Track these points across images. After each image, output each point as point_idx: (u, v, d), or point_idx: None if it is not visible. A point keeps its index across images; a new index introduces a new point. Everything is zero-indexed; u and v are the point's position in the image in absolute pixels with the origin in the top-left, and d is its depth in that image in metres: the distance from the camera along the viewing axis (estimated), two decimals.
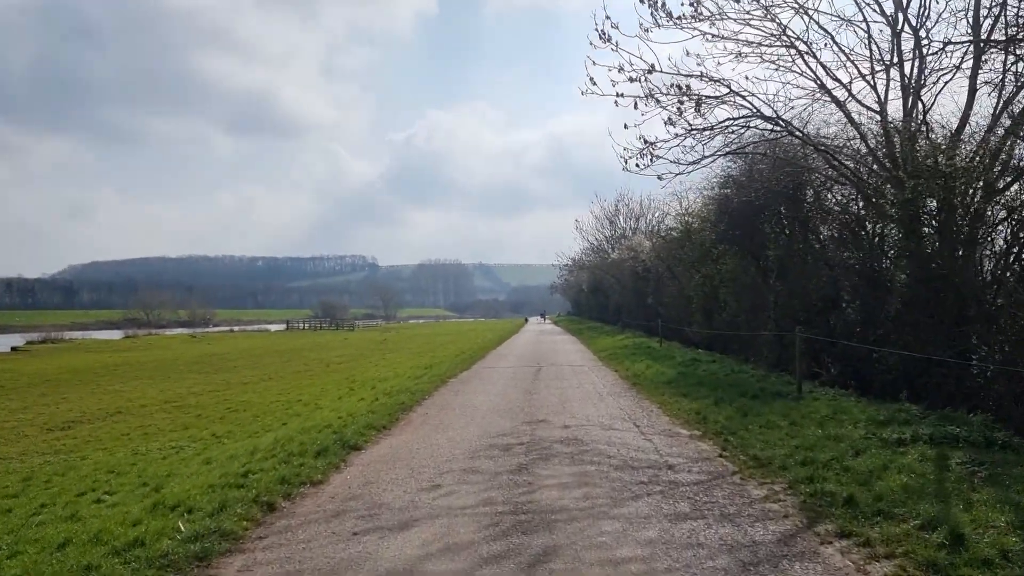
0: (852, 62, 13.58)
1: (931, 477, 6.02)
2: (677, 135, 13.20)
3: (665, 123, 12.98)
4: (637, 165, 13.56)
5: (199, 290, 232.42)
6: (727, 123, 13.46)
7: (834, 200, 16.75)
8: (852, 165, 13.91)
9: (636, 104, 12.64)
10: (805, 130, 14.03)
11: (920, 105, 12.29)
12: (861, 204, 15.05)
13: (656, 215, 50.91)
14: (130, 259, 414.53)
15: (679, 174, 14.35)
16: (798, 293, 17.66)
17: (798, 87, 13.17)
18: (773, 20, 12.46)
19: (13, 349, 48.33)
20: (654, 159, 13.63)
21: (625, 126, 12.99)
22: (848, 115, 13.51)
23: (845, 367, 14.97)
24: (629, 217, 55.79)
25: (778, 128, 13.34)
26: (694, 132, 13.30)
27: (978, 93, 12.01)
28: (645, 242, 40.68)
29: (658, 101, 11.87)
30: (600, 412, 11.10)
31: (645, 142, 13.21)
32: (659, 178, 14.17)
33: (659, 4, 11.56)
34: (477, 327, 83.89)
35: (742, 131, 14.56)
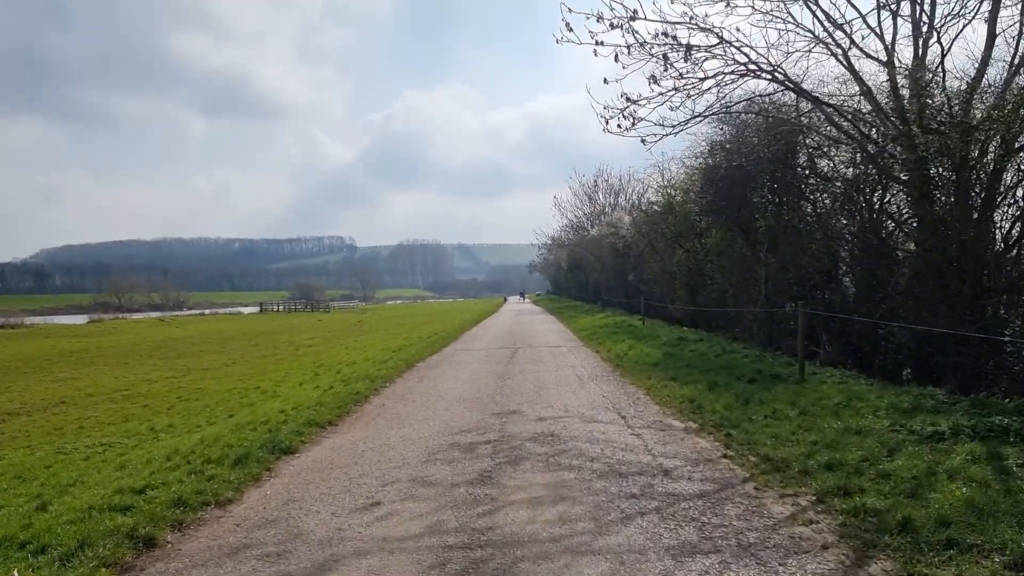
0: (853, 5, 12.29)
1: (996, 487, 4.75)
2: (663, 92, 11.84)
3: (649, 80, 11.66)
4: (619, 126, 12.33)
5: (174, 273, 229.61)
6: (718, 76, 12.07)
7: (830, 165, 15.49)
8: (854, 124, 12.62)
9: (616, 56, 11.29)
10: (802, 86, 12.70)
11: (939, 49, 10.98)
12: (862, 168, 13.80)
13: (636, 190, 49.66)
14: (103, 243, 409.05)
15: (666, 135, 13.09)
16: (791, 266, 16.51)
17: (796, 34, 11.80)
18: None
19: None
20: (636, 121, 12.39)
21: (605, 80, 11.58)
22: (851, 68, 12.17)
23: (844, 345, 13.81)
24: (608, 193, 54.52)
25: (774, 81, 11.99)
26: (683, 88, 11.94)
27: (996, 40, 10.75)
28: (625, 217, 39.44)
29: (642, 45, 10.46)
30: (580, 400, 9.79)
31: (628, 100, 11.90)
32: (643, 141, 12.96)
33: None
34: (455, 307, 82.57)
35: (733, 88, 13.19)
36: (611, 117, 12.06)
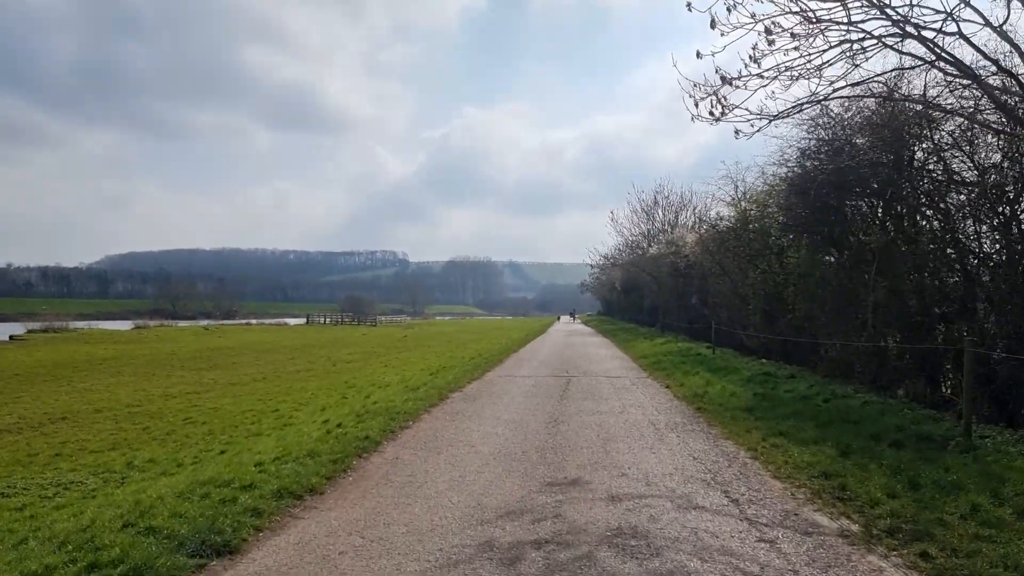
0: None
1: None
2: (761, 74, 9.34)
3: (749, 56, 9.22)
4: (711, 113, 9.87)
5: (230, 282, 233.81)
6: (843, 44, 9.37)
7: (967, 164, 12.56)
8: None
9: (713, 22, 8.83)
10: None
11: None
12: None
13: (699, 208, 46.63)
14: (165, 250, 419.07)
15: (770, 121, 10.58)
16: (909, 292, 13.67)
17: None
18: None
19: (12, 338, 45.63)
20: (727, 110, 9.94)
21: (698, 54, 9.19)
22: None
23: (987, 395, 10.86)
24: (668, 210, 51.42)
25: (923, 45, 9.19)
26: (795, 64, 9.37)
27: None
28: (688, 235, 36.53)
29: None
30: (664, 464, 7.13)
31: (723, 79, 9.48)
32: (736, 133, 10.60)
33: None
34: (503, 325, 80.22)
35: (855, 62, 10.45)
36: (702, 98, 9.67)
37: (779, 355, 20.58)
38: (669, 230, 48.41)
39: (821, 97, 10.26)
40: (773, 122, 11.25)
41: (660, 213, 52.19)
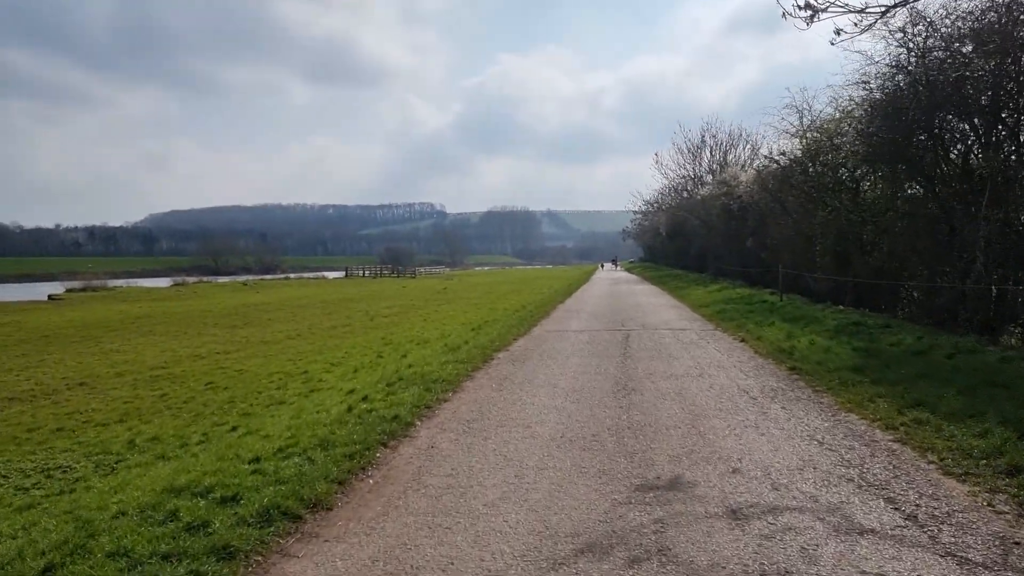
0: None
1: None
2: None
3: None
4: (808, 4, 8.08)
5: (271, 238, 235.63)
6: None
7: None
8: None
9: None
10: None
11: None
12: None
13: (754, 144, 43.96)
14: (207, 208, 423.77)
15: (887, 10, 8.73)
16: None
17: None
18: None
19: (50, 297, 45.29)
20: (821, 11, 8.20)
21: None
22: None
23: None
24: (717, 149, 48.68)
25: None
26: None
27: None
28: (741, 174, 34.17)
29: None
30: (783, 453, 5.36)
31: None
32: (837, 33, 8.86)
33: None
34: (543, 274, 78.43)
35: None
36: None
37: (852, 301, 18.63)
38: (719, 170, 45.89)
39: None
40: (885, 17, 9.38)
41: (708, 153, 49.61)
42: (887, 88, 15.01)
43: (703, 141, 49.32)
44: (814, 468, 4.98)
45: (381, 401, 7.53)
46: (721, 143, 48.03)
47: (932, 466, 4.96)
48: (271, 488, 4.60)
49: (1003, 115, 12.75)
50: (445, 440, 6.05)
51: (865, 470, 4.90)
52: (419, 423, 6.65)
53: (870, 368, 8.55)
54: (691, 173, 51.31)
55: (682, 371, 9.29)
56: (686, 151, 51.00)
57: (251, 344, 22.44)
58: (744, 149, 45.20)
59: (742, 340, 12.50)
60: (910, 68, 14.19)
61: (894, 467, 4.95)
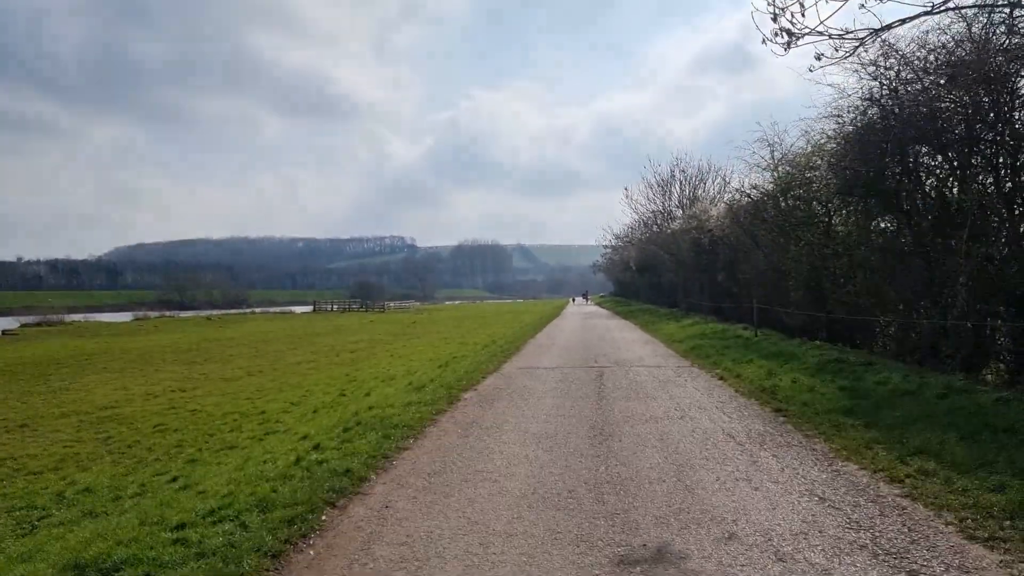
0: None
1: None
2: None
3: None
4: (788, 33, 7.74)
5: (239, 271, 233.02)
6: None
7: None
8: None
9: None
10: None
11: None
12: None
13: (724, 178, 44.00)
14: (174, 241, 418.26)
15: (864, 42, 8.43)
16: (1014, 258, 11.40)
17: None
18: None
19: (4, 332, 43.69)
20: (799, 37, 7.81)
21: None
22: None
23: None
24: (686, 184, 48.68)
25: None
26: None
27: None
28: (712, 209, 34.08)
29: None
30: (782, 512, 4.71)
31: None
32: (817, 58, 8.53)
33: None
34: (514, 308, 77.90)
35: None
36: (784, 8, 7.57)
37: (826, 336, 18.32)
38: (688, 204, 45.91)
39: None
40: (862, 46, 9.11)
41: (678, 187, 49.64)
42: (859, 121, 14.79)
43: (672, 176, 49.38)
44: (820, 532, 4.38)
45: (335, 450, 6.82)
46: (691, 178, 48.11)
47: (951, 528, 4.39)
48: (191, 565, 3.89)
49: (980, 147, 12.53)
50: (402, 498, 5.35)
51: (878, 534, 4.31)
52: (374, 477, 5.95)
53: (860, 410, 8.03)
54: (661, 207, 51.28)
55: (661, 413, 8.70)
56: (656, 185, 51.01)
57: (210, 381, 21.50)
58: (714, 184, 45.26)
59: (720, 378, 11.98)
60: (882, 101, 13.99)
61: (909, 530, 4.37)
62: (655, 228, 52.11)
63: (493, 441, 7.23)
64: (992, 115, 11.88)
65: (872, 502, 4.95)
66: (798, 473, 5.75)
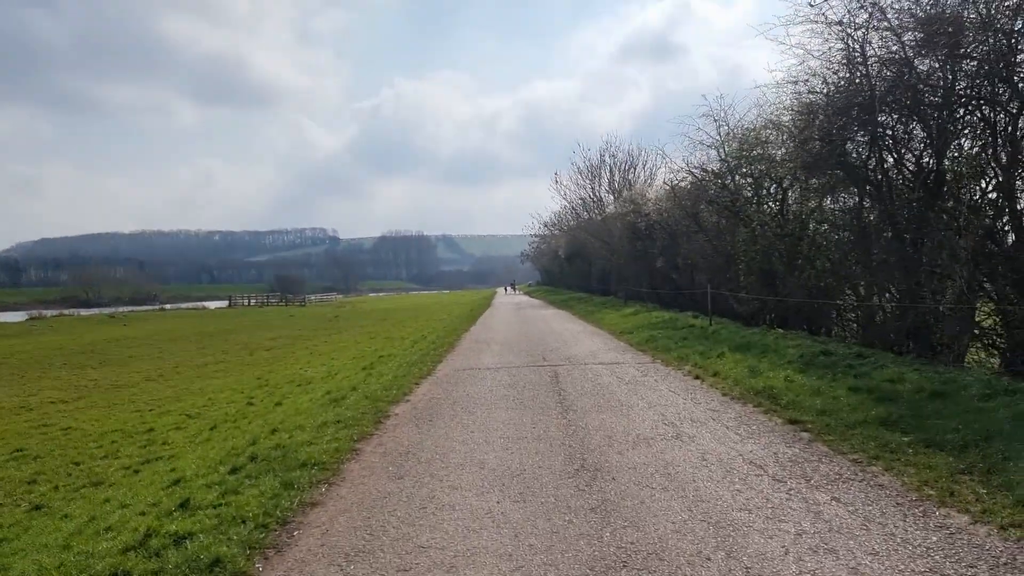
0: None
1: None
2: None
3: None
4: None
5: (152, 266, 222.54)
6: None
7: None
8: None
9: None
10: None
11: None
12: None
13: (647, 168, 42.86)
14: (81, 235, 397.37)
15: None
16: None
17: None
18: None
19: None
20: None
21: None
22: None
23: None
24: (616, 169, 47.23)
25: None
26: None
27: None
28: (650, 191, 32.71)
29: None
30: None
31: None
32: None
33: None
34: (441, 300, 75.61)
35: None
36: None
37: (779, 322, 17.03)
38: (619, 189, 44.59)
39: None
40: None
41: (608, 172, 48.21)
42: (823, 89, 13.32)
43: (602, 160, 47.90)
44: None
45: (209, 511, 4.65)
46: (620, 163, 46.72)
47: None
48: None
49: (959, 113, 11.17)
50: None
51: None
52: (259, 567, 3.86)
53: (900, 421, 6.33)
54: (591, 193, 49.81)
55: (648, 429, 6.81)
56: (585, 170, 49.50)
57: (98, 389, 18.84)
58: (644, 169, 43.98)
59: (697, 377, 10.21)
60: (854, 62, 12.50)
61: None
62: (585, 215, 50.68)
63: (439, 487, 5.17)
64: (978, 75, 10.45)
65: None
66: (891, 532, 3.94)
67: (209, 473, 6.04)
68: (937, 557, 3.60)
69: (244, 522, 4.43)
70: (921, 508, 4.31)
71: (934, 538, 3.85)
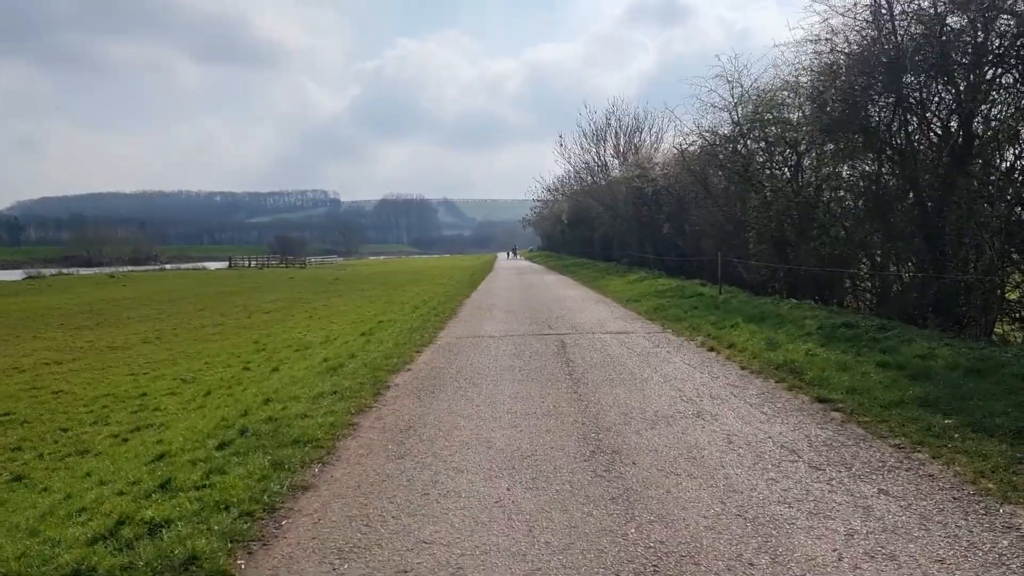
0: None
1: None
2: None
3: None
4: None
5: (153, 226, 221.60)
6: None
7: None
8: None
9: None
10: None
11: None
12: None
13: (654, 132, 42.11)
14: (82, 195, 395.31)
15: None
16: None
17: None
18: None
19: None
20: None
21: None
22: None
23: None
24: (622, 132, 46.41)
25: None
26: None
27: None
28: (657, 155, 32.04)
29: None
30: None
31: None
32: None
33: None
34: (442, 264, 75.08)
35: None
36: None
37: (789, 291, 16.57)
38: (625, 153, 43.90)
39: None
40: None
41: (613, 136, 47.39)
42: (845, 48, 12.70)
43: (608, 124, 47.06)
44: None
45: (191, 494, 4.22)
46: (626, 127, 45.88)
47: None
48: None
49: (990, 74, 10.59)
50: None
51: None
52: (241, 563, 3.42)
53: (939, 402, 5.87)
54: (595, 158, 49.03)
55: (667, 407, 6.36)
56: (591, 134, 48.66)
57: (93, 351, 18.42)
58: (650, 133, 43.19)
59: (711, 349, 9.75)
60: (880, 18, 11.88)
61: None
62: (589, 179, 49.95)
63: (443, 469, 4.73)
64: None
65: None
66: (954, 534, 3.49)
67: (196, 448, 5.61)
68: (1014, 566, 3.15)
69: (228, 508, 3.99)
70: (982, 504, 3.86)
71: (1004, 542, 3.40)
